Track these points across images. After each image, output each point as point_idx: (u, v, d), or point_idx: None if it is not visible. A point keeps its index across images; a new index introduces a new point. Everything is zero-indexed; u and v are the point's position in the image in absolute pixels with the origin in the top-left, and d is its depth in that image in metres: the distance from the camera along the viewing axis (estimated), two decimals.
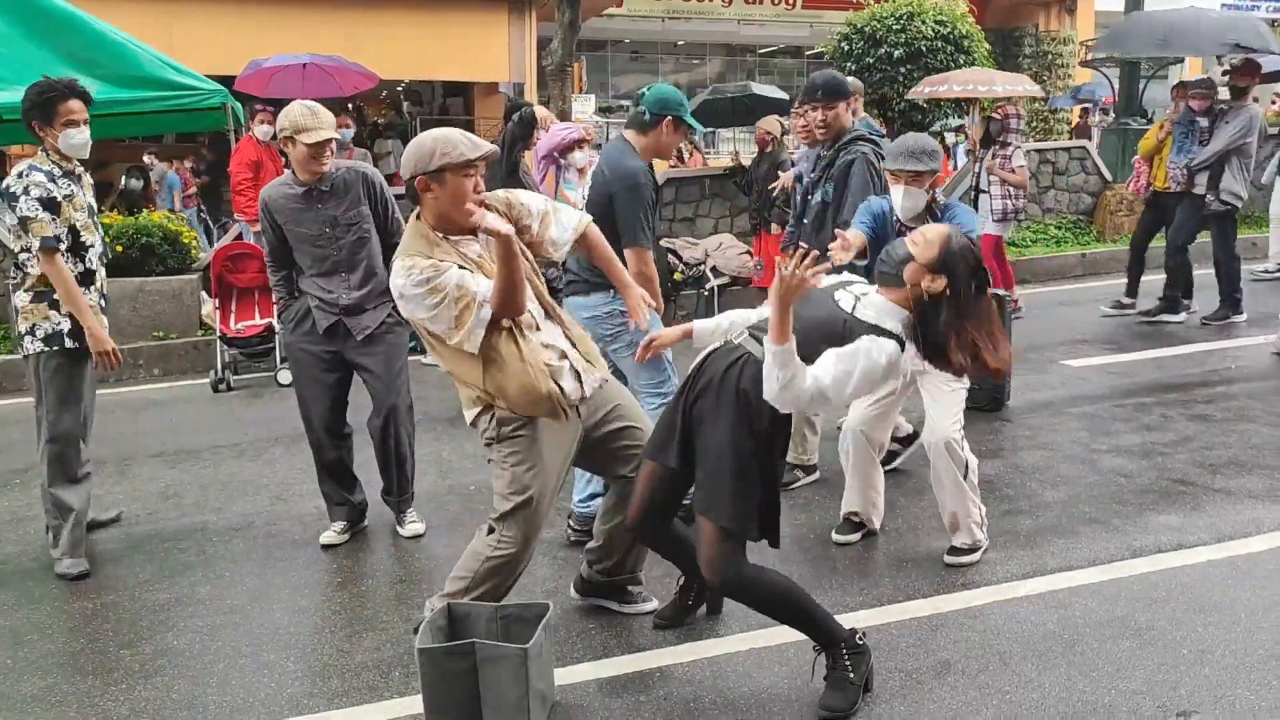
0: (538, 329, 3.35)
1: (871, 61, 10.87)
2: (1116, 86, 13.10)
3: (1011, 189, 8.27)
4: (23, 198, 4.33)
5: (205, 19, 14.40)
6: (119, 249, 8.26)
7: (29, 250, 4.40)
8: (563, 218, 3.53)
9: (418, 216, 3.31)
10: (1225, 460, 5.18)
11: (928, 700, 3.17)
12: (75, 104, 4.46)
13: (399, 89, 19.82)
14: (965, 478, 4.11)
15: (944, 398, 4.22)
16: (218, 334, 7.64)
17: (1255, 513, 4.51)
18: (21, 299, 4.45)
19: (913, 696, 3.19)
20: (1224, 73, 10.00)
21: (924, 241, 3.03)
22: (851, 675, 3.12)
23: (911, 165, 4.17)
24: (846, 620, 3.64)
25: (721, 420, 3.09)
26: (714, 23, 21.36)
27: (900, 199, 4.26)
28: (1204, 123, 8.06)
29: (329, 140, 4.30)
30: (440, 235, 3.26)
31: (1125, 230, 11.92)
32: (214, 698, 3.38)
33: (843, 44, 11.49)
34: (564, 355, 3.38)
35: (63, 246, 4.39)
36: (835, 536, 4.40)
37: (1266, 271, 9.86)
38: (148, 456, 6.06)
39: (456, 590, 3.39)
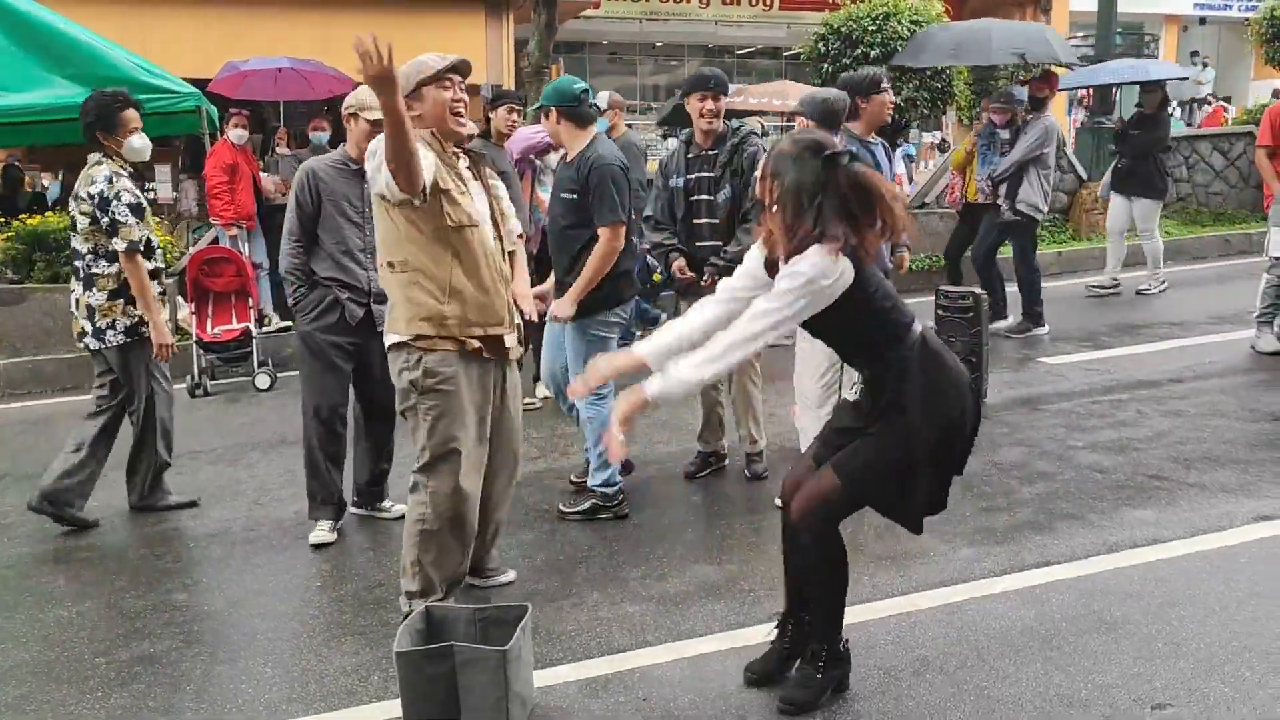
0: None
1: (848, 62, 10.88)
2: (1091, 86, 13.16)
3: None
4: (114, 202, 4.79)
5: (181, 21, 14.30)
6: None
7: (96, 252, 4.85)
8: (511, 224, 3.92)
9: None
10: (1199, 455, 5.22)
11: (906, 697, 3.18)
12: (133, 113, 4.96)
13: None
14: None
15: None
16: (194, 339, 7.60)
17: (1229, 506, 4.55)
18: (97, 298, 4.89)
19: (891, 693, 3.20)
20: (1021, 82, 10.32)
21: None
22: (819, 676, 3.14)
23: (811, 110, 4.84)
24: None
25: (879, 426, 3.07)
26: (692, 24, 21.39)
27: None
28: (1005, 134, 8.11)
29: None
30: (432, 134, 3.53)
31: (1101, 228, 12.01)
32: (191, 705, 3.36)
33: (819, 45, 11.51)
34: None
35: (142, 248, 4.85)
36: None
37: (1101, 286, 9.72)
38: (124, 463, 6.00)
39: (409, 566, 3.62)
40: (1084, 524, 4.45)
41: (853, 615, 3.67)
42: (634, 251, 5.00)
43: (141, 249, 4.86)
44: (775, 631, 3.33)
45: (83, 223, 4.83)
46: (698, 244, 5.03)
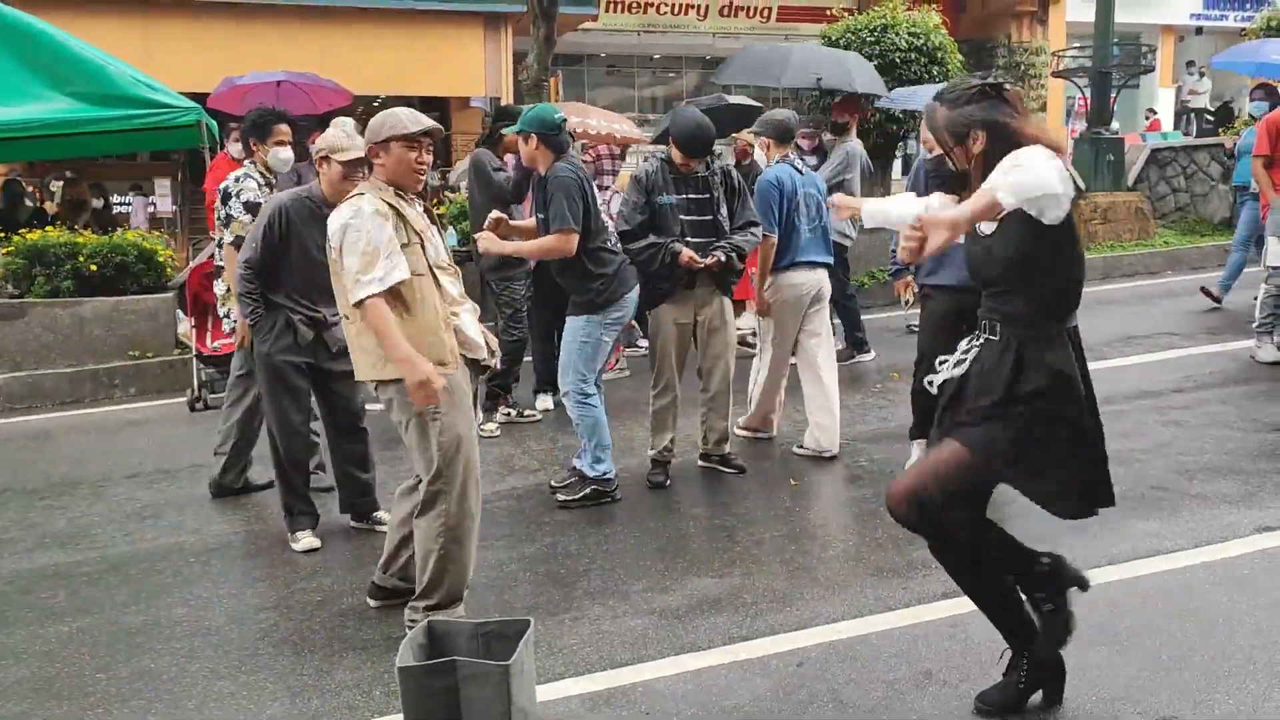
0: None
1: None
2: (1088, 96, 13.22)
3: None
4: (234, 199, 5.29)
5: (181, 35, 14.37)
6: (93, 268, 8.21)
7: (220, 245, 5.41)
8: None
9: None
10: (1201, 466, 5.22)
11: (909, 710, 3.17)
12: (285, 127, 5.39)
13: (374, 104, 19.78)
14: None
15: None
16: (194, 353, 7.59)
17: (1231, 517, 4.55)
18: (220, 288, 5.66)
19: (894, 707, 3.19)
20: (822, 108, 10.42)
21: None
22: (1021, 685, 3.09)
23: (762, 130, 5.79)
24: (829, 631, 3.67)
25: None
26: (690, 36, 21.43)
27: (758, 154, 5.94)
28: (813, 161, 8.03)
29: (360, 160, 4.44)
30: (392, 190, 3.69)
31: (1099, 238, 12.06)
32: None
33: None
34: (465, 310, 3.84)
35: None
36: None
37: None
38: (124, 477, 6.00)
39: (428, 584, 3.71)
40: (1086, 535, 4.44)
41: (856, 628, 3.68)
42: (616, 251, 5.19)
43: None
44: (1008, 664, 3.18)
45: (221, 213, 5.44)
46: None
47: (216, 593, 4.34)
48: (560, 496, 5.13)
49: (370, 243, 3.54)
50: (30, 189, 13.02)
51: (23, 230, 9.06)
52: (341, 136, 4.53)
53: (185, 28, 14.54)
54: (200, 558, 4.75)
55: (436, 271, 3.74)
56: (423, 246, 3.70)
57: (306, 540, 4.75)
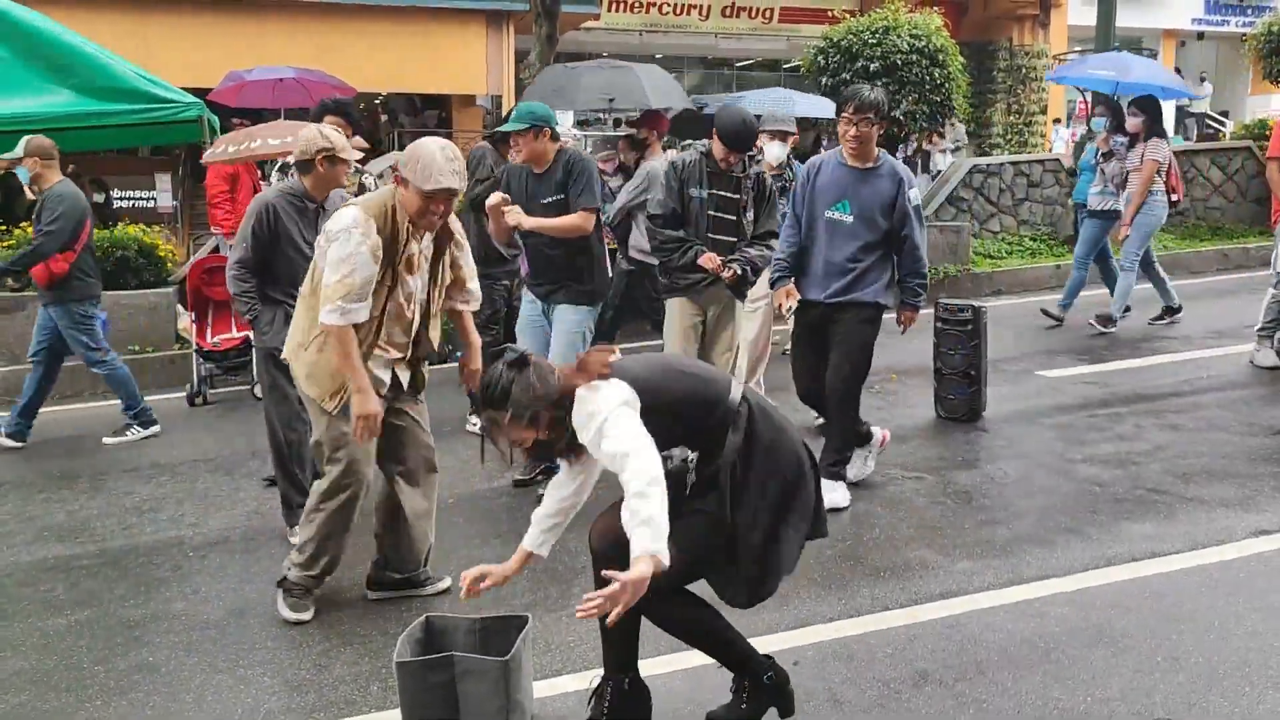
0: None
1: (848, 76, 10.94)
2: (1088, 100, 13.23)
3: None
4: None
5: (181, 31, 14.35)
6: None
7: None
8: (470, 285, 4.18)
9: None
10: (1198, 469, 5.23)
11: (905, 710, 3.18)
12: (334, 118, 5.32)
13: (376, 101, 19.80)
14: None
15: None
16: (194, 347, 7.60)
17: (1227, 521, 4.56)
18: None
19: (890, 706, 3.20)
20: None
21: None
22: (744, 706, 3.08)
23: (773, 127, 6.06)
24: (826, 631, 3.68)
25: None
26: (692, 36, 21.42)
27: (773, 150, 6.04)
28: (616, 182, 7.90)
29: (347, 161, 4.65)
30: (405, 216, 3.75)
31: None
32: (190, 713, 3.36)
33: (819, 58, 11.57)
34: (397, 359, 3.94)
35: None
36: None
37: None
38: (123, 471, 6.01)
39: (304, 543, 3.97)
40: (1082, 538, 4.45)
41: (851, 628, 3.69)
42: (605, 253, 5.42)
43: None
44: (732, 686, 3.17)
45: None
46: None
47: (215, 587, 4.35)
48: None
49: (354, 272, 3.65)
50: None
51: (23, 224, 9.06)
52: (317, 138, 4.55)
53: (185, 24, 14.51)
54: (199, 551, 4.76)
55: (391, 314, 3.84)
56: (395, 288, 3.80)
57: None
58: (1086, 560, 4.21)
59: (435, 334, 4.08)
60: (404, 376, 4.02)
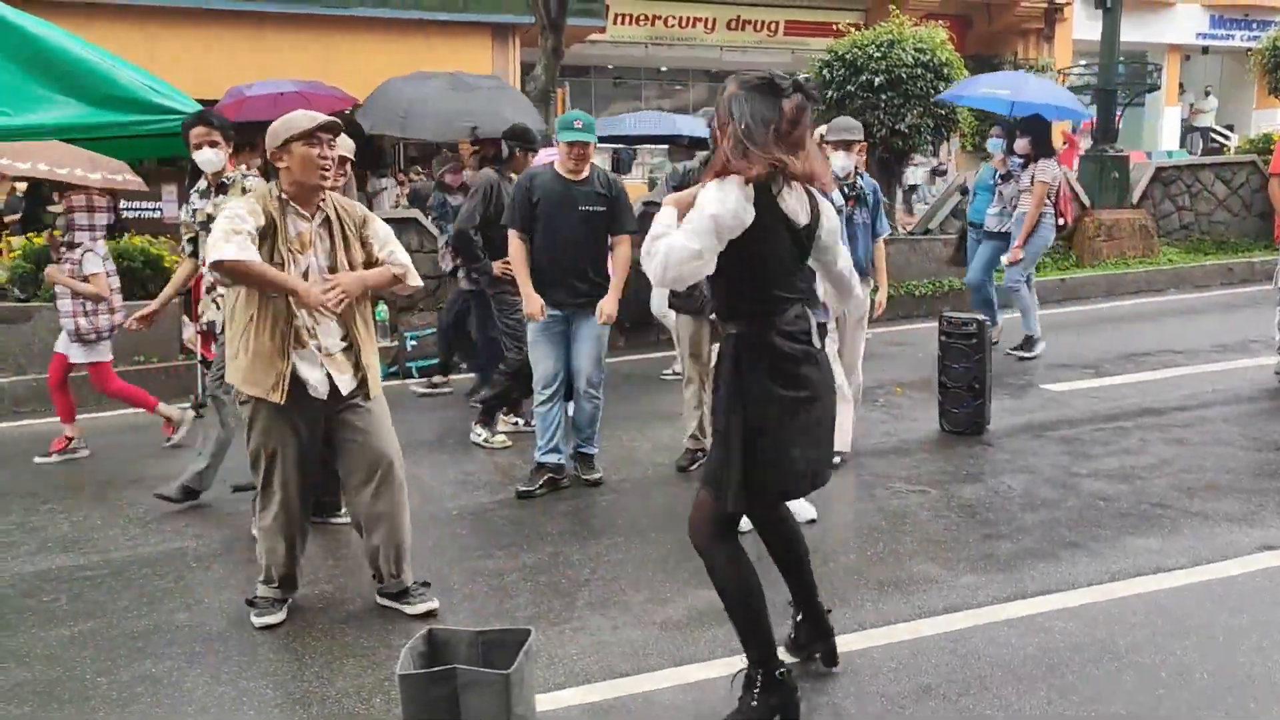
0: (316, 323, 3.89)
1: (853, 89, 10.97)
2: (1094, 114, 13.26)
3: (86, 303, 6.39)
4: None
5: (185, 42, 14.39)
6: None
7: None
8: (398, 256, 4.05)
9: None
10: (1203, 484, 5.22)
11: None
12: (199, 128, 5.26)
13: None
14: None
15: (856, 336, 5.78)
16: (198, 358, 7.61)
17: (1232, 536, 4.55)
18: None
19: None
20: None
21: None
22: (755, 704, 3.12)
23: (847, 136, 5.74)
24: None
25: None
26: (697, 49, 21.49)
27: (839, 160, 5.69)
28: (456, 201, 7.96)
29: (343, 160, 4.85)
30: (281, 200, 3.82)
31: (1104, 256, 12.08)
32: None
33: (824, 71, 11.59)
34: (328, 353, 3.91)
35: (187, 250, 5.41)
36: None
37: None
38: (128, 481, 6.01)
39: (259, 559, 4.06)
40: (1087, 552, 4.44)
41: (855, 641, 3.68)
42: None
43: (185, 250, 5.50)
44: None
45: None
46: None
47: (218, 598, 4.35)
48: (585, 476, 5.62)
49: (234, 218, 3.68)
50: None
51: (29, 234, 9.11)
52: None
53: (191, 35, 14.57)
54: (203, 563, 4.76)
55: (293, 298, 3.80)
56: (285, 267, 3.79)
57: None
58: (1091, 575, 4.20)
59: (366, 325, 4.03)
60: (342, 380, 3.94)
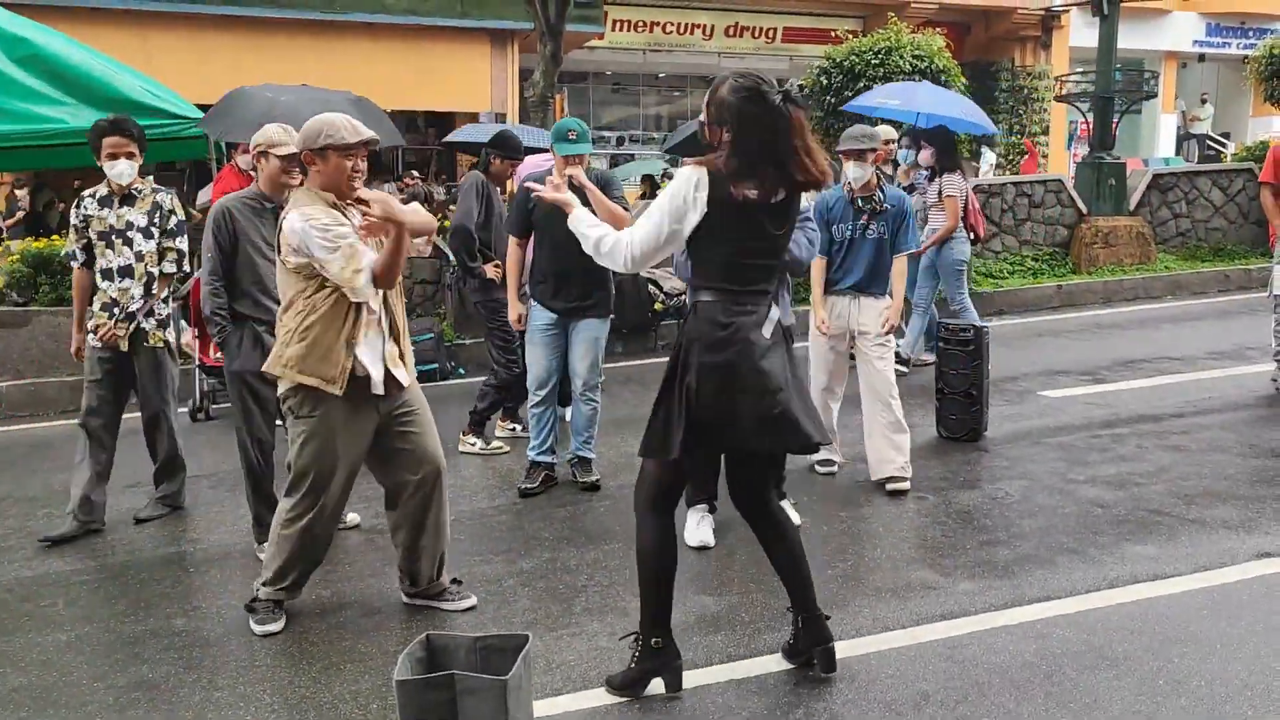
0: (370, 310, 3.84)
1: (850, 95, 10.99)
2: (1091, 121, 13.29)
3: None
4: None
5: (185, 47, 14.42)
6: None
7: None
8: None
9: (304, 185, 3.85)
10: (1200, 491, 5.23)
11: None
12: (116, 139, 5.07)
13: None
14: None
15: (886, 360, 5.48)
16: (196, 363, 7.61)
17: (1230, 543, 4.55)
18: None
19: None
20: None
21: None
22: (632, 667, 3.42)
23: (853, 145, 5.41)
24: None
25: None
26: (695, 55, 21.53)
27: (850, 171, 5.45)
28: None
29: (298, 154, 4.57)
30: (331, 203, 3.77)
31: (1100, 262, 12.10)
32: None
33: (821, 77, 11.62)
34: (384, 340, 3.87)
35: (76, 262, 5.20)
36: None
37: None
38: (124, 486, 6.00)
39: (268, 560, 4.01)
40: (1085, 559, 4.44)
41: (852, 649, 3.68)
42: None
43: (73, 262, 5.29)
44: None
45: None
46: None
47: (215, 603, 4.35)
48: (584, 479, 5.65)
49: (341, 237, 3.66)
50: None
51: (27, 238, 9.10)
52: (279, 132, 4.63)
53: (188, 41, 14.59)
54: (200, 568, 4.76)
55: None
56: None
57: None
58: (1088, 582, 4.20)
59: (400, 311, 4.00)
60: (399, 373, 3.92)
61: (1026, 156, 20.91)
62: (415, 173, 17.23)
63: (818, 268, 5.49)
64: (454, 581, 4.22)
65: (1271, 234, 7.38)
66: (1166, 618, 3.85)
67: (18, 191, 14.01)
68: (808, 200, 4.99)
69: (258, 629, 3.99)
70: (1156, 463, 5.70)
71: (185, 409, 7.53)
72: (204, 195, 12.32)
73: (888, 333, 5.49)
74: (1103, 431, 6.35)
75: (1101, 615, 3.90)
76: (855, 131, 5.53)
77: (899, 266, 5.57)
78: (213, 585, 4.55)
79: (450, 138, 13.96)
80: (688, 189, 3.22)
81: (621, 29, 20.43)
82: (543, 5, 11.88)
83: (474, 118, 17.86)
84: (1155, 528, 4.76)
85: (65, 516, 5.21)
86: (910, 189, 8.13)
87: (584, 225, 3.44)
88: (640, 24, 20.77)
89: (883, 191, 5.53)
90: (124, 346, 5.17)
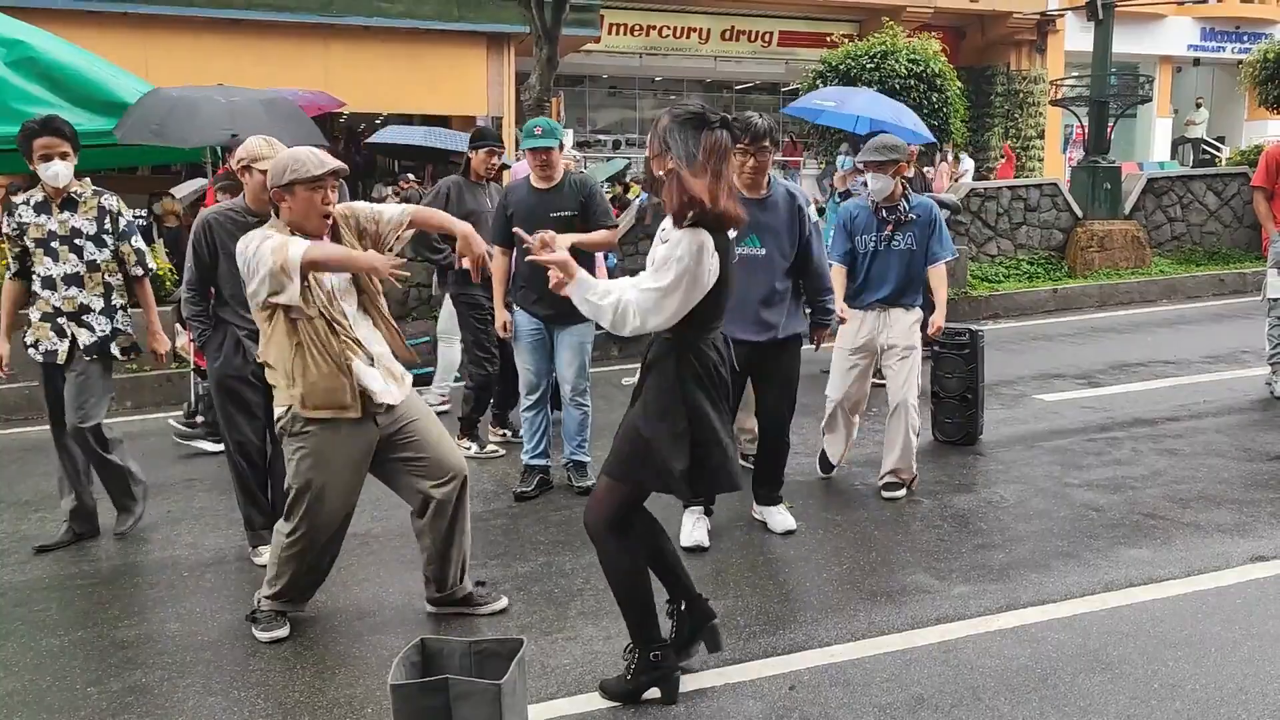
0: (352, 326, 3.78)
1: None
2: (1086, 125, 13.32)
3: None
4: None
5: (183, 51, 14.41)
6: None
7: None
8: (390, 211, 3.99)
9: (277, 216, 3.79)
10: (1195, 494, 5.23)
11: None
12: (48, 139, 4.81)
13: (376, 120, 19.89)
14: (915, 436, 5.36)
15: (900, 367, 5.36)
16: (191, 366, 7.59)
17: (1224, 547, 4.56)
18: None
19: None
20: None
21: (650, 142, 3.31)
22: (628, 678, 3.43)
23: (874, 156, 5.28)
24: (822, 655, 3.67)
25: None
26: (691, 59, 21.56)
27: (871, 183, 5.33)
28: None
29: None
30: (289, 233, 3.70)
31: (1096, 266, 12.12)
32: None
33: (818, 81, 11.63)
34: (373, 359, 3.80)
35: (10, 270, 4.98)
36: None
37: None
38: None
39: (270, 577, 3.98)
40: (1080, 562, 4.45)
41: (848, 652, 3.68)
42: None
43: (8, 270, 5.08)
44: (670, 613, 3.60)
45: None
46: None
47: (210, 608, 4.34)
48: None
49: (265, 238, 3.61)
50: None
51: None
52: (263, 146, 4.60)
53: (187, 44, 14.57)
54: (194, 572, 4.75)
55: (332, 312, 3.72)
56: (310, 290, 3.67)
57: (268, 554, 4.71)
58: (1083, 585, 4.21)
59: (383, 317, 3.93)
60: (394, 388, 3.86)
61: (1004, 161, 20.97)
62: (411, 176, 17.23)
63: (839, 274, 5.39)
64: (478, 584, 4.21)
65: (1265, 238, 7.40)
66: (1161, 621, 3.86)
67: (14, 198, 14.01)
68: (812, 210, 5.02)
69: (263, 636, 3.96)
70: (1151, 466, 5.71)
71: (180, 412, 7.53)
72: (182, 190, 12.30)
73: (935, 333, 5.60)
74: (1098, 435, 6.36)
75: (1096, 619, 3.90)
76: (877, 142, 5.38)
77: (939, 273, 5.48)
78: (206, 590, 4.54)
79: (373, 139, 13.60)
80: (704, 258, 3.17)
81: (618, 33, 20.46)
82: (539, 9, 11.89)
83: (471, 121, 17.87)
84: (1150, 531, 4.77)
85: (60, 524, 5.19)
86: (846, 195, 8.03)
87: (594, 295, 3.26)
88: (636, 28, 20.80)
89: (908, 201, 5.38)
90: (62, 359, 4.97)
